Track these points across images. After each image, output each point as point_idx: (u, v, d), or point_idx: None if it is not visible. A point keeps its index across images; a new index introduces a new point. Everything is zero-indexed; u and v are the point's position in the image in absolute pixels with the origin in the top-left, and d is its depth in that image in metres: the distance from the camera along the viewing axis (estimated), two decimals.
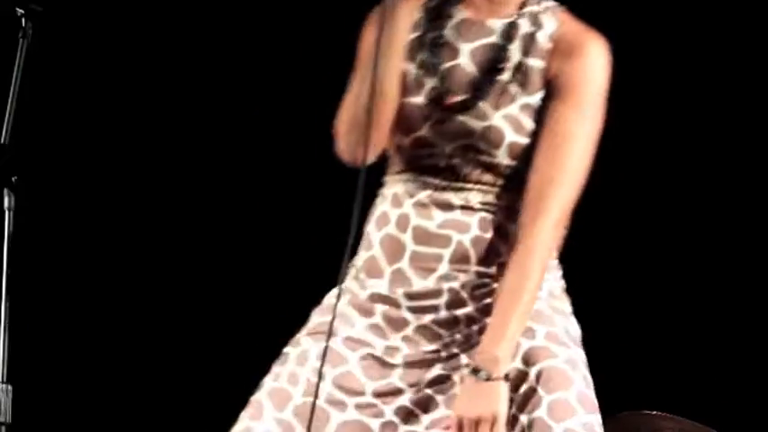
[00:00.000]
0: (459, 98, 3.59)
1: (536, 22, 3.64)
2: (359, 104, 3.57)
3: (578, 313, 4.43)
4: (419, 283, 3.61)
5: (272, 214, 6.97)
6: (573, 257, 4.53)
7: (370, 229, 3.67)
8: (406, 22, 3.59)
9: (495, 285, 3.56)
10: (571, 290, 4.18)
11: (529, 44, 3.60)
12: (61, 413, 6.23)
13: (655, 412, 5.71)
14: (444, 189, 3.60)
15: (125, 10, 6.90)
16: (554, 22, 3.63)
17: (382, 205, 3.66)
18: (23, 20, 3.95)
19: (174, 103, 7.09)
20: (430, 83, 3.60)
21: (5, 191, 3.79)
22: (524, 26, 3.63)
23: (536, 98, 3.58)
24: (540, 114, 3.56)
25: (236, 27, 7.27)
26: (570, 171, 3.60)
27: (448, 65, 3.61)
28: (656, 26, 7.40)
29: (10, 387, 3.69)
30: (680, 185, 7.39)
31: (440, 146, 3.59)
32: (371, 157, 3.60)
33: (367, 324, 3.68)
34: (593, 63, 3.63)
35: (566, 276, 4.18)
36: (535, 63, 3.58)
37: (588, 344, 4.62)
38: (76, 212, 6.17)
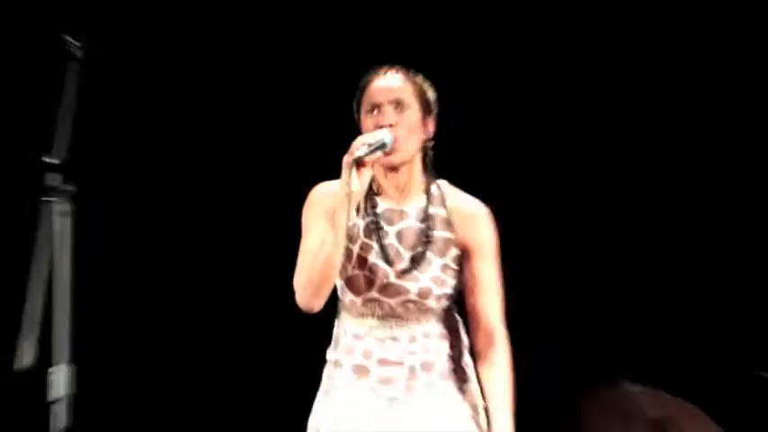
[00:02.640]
0: (396, 269, 4.27)
1: (438, 202, 4.32)
2: (313, 273, 4.11)
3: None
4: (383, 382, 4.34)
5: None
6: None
7: (339, 355, 4.37)
8: (346, 223, 4.11)
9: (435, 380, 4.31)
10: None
11: (437, 221, 4.29)
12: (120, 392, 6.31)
13: (630, 385, 5.91)
14: (392, 328, 4.30)
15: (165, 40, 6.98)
16: (447, 198, 4.34)
17: (344, 338, 4.38)
18: (71, 47, 4.11)
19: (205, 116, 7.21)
20: (372, 259, 4.25)
21: (59, 205, 3.96)
22: (431, 208, 4.31)
23: (449, 258, 4.30)
24: (461, 266, 4.35)
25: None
26: (500, 301, 4.41)
27: (383, 243, 4.28)
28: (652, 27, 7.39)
29: (74, 367, 3.89)
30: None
31: (385, 302, 4.27)
32: (320, 305, 4.18)
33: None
34: (489, 226, 4.38)
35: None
36: (443, 234, 4.27)
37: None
38: (129, 212, 6.37)
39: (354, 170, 4.00)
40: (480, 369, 4.34)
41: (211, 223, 7.25)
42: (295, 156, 7.14)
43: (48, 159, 4.00)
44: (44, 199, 3.99)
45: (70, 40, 4.15)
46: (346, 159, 4.00)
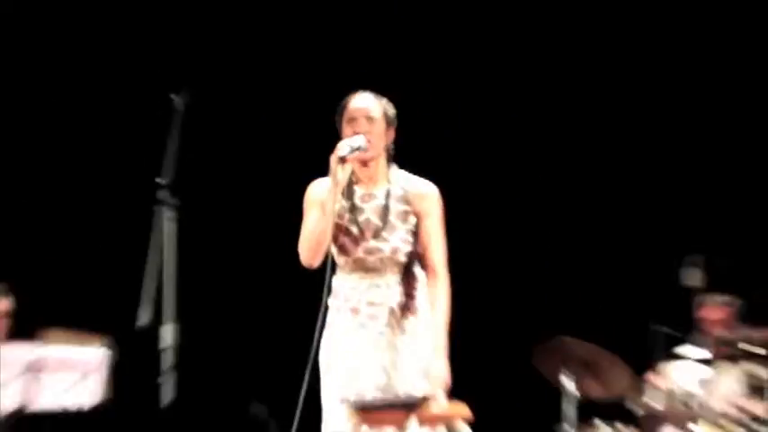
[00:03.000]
0: (373, 234, 4.55)
1: (397, 185, 4.61)
2: (311, 239, 4.47)
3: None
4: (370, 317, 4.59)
5: None
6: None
7: (339, 302, 4.62)
8: (335, 205, 4.47)
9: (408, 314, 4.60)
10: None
11: (399, 198, 4.60)
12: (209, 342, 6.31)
13: (568, 338, 5.98)
14: (374, 278, 4.60)
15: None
16: (404, 181, 4.64)
17: (343, 289, 4.62)
18: (175, 103, 4.46)
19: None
20: (354, 229, 4.56)
21: (169, 212, 4.31)
22: (393, 190, 4.61)
23: (409, 225, 4.58)
24: (417, 231, 4.59)
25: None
26: (443, 252, 4.64)
27: (360, 218, 4.58)
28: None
29: (176, 325, 4.23)
30: None
31: (367, 259, 4.57)
32: (318, 263, 4.48)
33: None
34: (437, 201, 4.65)
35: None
36: (403, 207, 4.59)
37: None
38: (213, 216, 6.47)
39: (339, 165, 4.41)
40: (429, 297, 4.62)
41: (256, 221, 7.41)
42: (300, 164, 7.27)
43: (160, 181, 4.30)
44: (157, 207, 4.29)
45: (175, 97, 4.46)
46: (333, 157, 4.40)
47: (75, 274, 6.92)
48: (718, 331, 6.34)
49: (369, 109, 4.56)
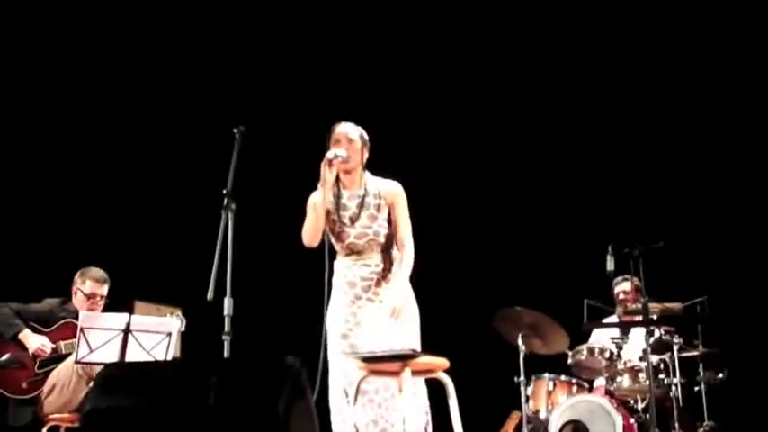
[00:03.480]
0: (358, 224, 4.61)
1: (372, 186, 4.69)
2: (309, 227, 4.61)
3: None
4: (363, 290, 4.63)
5: None
6: None
7: (339, 279, 4.69)
8: (326, 200, 4.61)
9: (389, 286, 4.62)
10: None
11: (375, 195, 4.67)
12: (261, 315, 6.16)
13: (519, 307, 6.02)
14: (364, 258, 4.65)
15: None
16: (374, 183, 4.73)
17: (340, 268, 4.69)
18: (237, 133, 4.43)
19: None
20: (345, 221, 4.64)
21: (230, 213, 4.26)
22: (370, 190, 4.69)
23: (384, 214, 4.63)
24: (390, 217, 4.65)
25: None
26: (409, 228, 4.68)
27: (348, 213, 4.65)
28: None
29: (232, 299, 4.18)
30: None
31: (357, 243, 4.63)
32: (316, 244, 4.62)
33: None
34: (402, 194, 4.72)
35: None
36: (378, 201, 4.68)
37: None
38: (260, 216, 6.19)
39: (327, 167, 4.56)
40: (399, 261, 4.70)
41: (292, 221, 7.17)
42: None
43: (224, 190, 4.26)
44: (223, 209, 4.24)
45: (235, 129, 4.43)
46: (324, 162, 4.57)
47: (161, 260, 6.93)
48: (626, 303, 6.41)
49: (348, 133, 4.72)
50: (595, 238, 6.04)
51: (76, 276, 5.64)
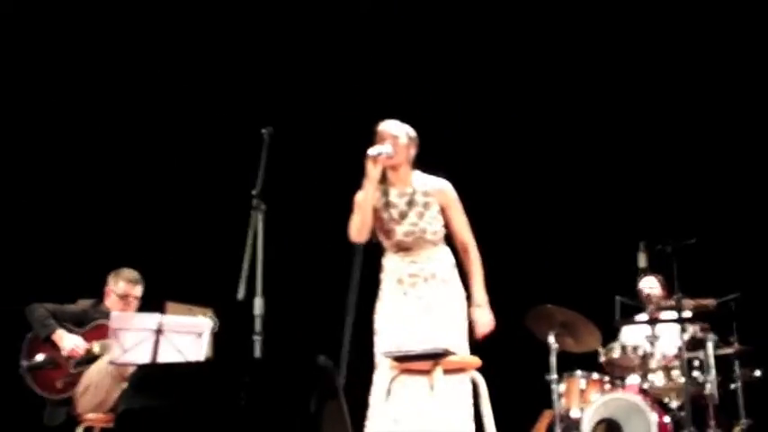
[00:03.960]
0: (406, 221, 4.59)
1: (420, 183, 4.66)
2: (356, 222, 4.58)
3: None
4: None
5: None
6: None
7: (388, 276, 4.68)
8: (375, 195, 4.61)
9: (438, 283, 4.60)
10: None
11: (423, 193, 4.64)
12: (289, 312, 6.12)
13: (551, 305, 6.00)
14: (412, 255, 4.63)
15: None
16: (423, 180, 4.70)
17: (388, 265, 4.68)
18: (264, 135, 4.46)
19: None
20: (394, 218, 4.62)
21: (260, 214, 4.25)
22: (418, 187, 4.65)
23: (432, 212, 4.60)
24: (440, 215, 4.63)
25: None
26: (468, 228, 4.70)
27: (396, 210, 4.63)
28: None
29: (263, 298, 4.16)
30: None
31: (405, 240, 4.61)
32: (363, 240, 4.61)
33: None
34: (453, 194, 4.70)
35: None
36: (426, 199, 4.65)
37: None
38: (290, 216, 6.07)
39: (372, 164, 4.54)
40: (465, 266, 4.72)
41: (321, 221, 7.05)
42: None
43: (254, 192, 4.25)
44: (252, 210, 4.23)
45: (264, 130, 4.45)
46: (368, 158, 4.55)
47: (192, 261, 6.94)
48: (656, 300, 6.38)
49: (392, 129, 4.68)
50: (626, 235, 5.99)
51: (110, 278, 5.64)
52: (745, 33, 7.00)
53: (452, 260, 4.72)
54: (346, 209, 7.10)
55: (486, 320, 4.60)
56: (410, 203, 4.65)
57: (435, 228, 4.66)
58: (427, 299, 4.59)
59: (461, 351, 4.51)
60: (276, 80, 7.37)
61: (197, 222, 7.15)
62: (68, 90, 7.15)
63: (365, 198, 4.57)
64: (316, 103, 7.45)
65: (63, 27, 7.05)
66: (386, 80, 7.44)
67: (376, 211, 4.66)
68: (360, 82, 7.45)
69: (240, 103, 7.22)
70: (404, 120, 4.84)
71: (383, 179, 4.67)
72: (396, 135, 4.67)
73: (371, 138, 4.71)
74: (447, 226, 4.70)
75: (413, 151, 4.72)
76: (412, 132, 4.74)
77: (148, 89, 7.29)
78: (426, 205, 4.66)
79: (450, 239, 4.73)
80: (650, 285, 6.50)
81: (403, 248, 4.66)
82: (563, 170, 7.58)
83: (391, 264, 4.68)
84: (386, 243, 4.69)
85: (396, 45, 7.40)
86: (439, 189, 4.71)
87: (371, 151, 4.54)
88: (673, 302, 5.82)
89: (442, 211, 4.69)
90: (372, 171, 4.54)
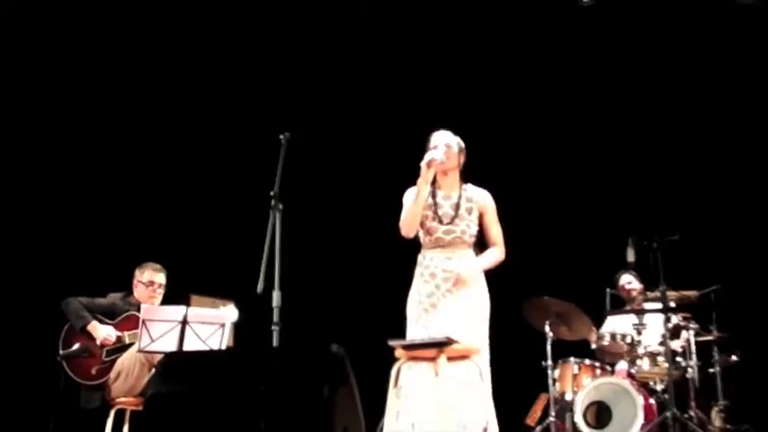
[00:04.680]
0: (448, 221, 4.64)
1: (466, 190, 4.75)
2: (408, 218, 4.62)
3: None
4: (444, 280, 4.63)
5: None
6: None
7: (422, 270, 4.70)
8: (425, 196, 4.66)
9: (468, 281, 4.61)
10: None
11: (468, 199, 4.72)
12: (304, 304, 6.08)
13: (546, 297, 6.02)
14: (447, 252, 4.66)
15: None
16: (470, 189, 4.79)
17: (424, 260, 4.70)
18: (282, 139, 4.49)
19: None
20: (437, 217, 4.66)
21: (278, 213, 4.30)
22: (463, 194, 4.73)
23: (473, 217, 4.68)
24: (480, 221, 4.71)
25: None
26: (500, 234, 4.75)
27: (440, 210, 4.68)
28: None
29: (281, 292, 4.22)
30: None
31: (444, 238, 4.65)
32: (413, 235, 4.65)
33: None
34: (492, 202, 4.77)
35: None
36: (469, 204, 4.74)
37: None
38: (306, 215, 6.10)
39: (426, 167, 4.60)
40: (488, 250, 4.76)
41: (335, 219, 7.39)
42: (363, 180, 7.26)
43: (272, 192, 4.31)
44: (271, 209, 4.28)
45: (281, 136, 4.48)
46: (423, 162, 4.61)
47: (214, 256, 6.95)
48: (636, 295, 6.38)
49: (445, 138, 4.77)
50: (616, 232, 5.98)
51: (136, 271, 5.73)
52: (723, 28, 6.96)
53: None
54: (358, 208, 7.16)
55: (463, 269, 4.64)
56: (454, 207, 4.75)
57: (472, 231, 4.77)
58: (457, 294, 4.63)
59: (484, 346, 4.58)
60: (294, 89, 7.38)
61: (220, 221, 7.17)
62: (104, 89, 7.11)
63: (417, 197, 4.66)
64: (329, 111, 7.46)
65: (99, 26, 7.00)
66: (390, 86, 7.45)
67: (422, 210, 4.75)
68: (372, 91, 7.45)
69: (260, 110, 7.23)
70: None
71: (433, 182, 4.77)
72: (448, 144, 4.78)
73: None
74: (482, 231, 4.78)
75: (462, 160, 4.84)
76: (461, 143, 4.87)
77: (178, 97, 7.28)
78: (469, 210, 4.77)
79: (482, 244, 4.82)
80: (628, 281, 6.54)
81: (440, 245, 4.72)
82: (558, 171, 7.57)
83: (427, 259, 4.75)
84: (425, 239, 4.77)
85: (398, 49, 7.38)
86: (481, 197, 4.83)
87: (428, 157, 4.63)
88: (656, 294, 5.83)
89: (481, 217, 4.80)
90: (426, 173, 4.63)
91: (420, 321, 4.63)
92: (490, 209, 4.81)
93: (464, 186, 4.83)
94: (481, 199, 4.82)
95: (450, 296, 4.63)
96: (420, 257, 4.78)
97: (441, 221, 4.70)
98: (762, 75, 7.02)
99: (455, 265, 4.64)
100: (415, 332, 4.61)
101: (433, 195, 4.77)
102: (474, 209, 4.77)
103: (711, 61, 7.12)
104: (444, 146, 4.74)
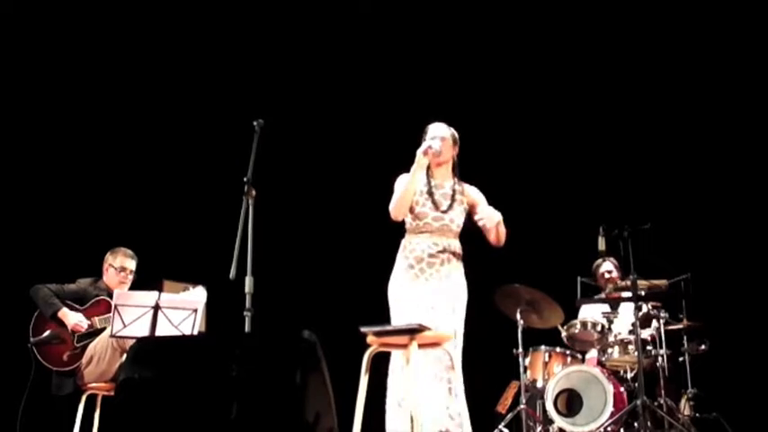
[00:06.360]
0: (440, 209, 4.70)
1: (457, 182, 4.83)
2: (400, 202, 4.66)
3: None
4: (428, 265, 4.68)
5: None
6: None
7: (407, 254, 4.71)
8: (419, 182, 4.73)
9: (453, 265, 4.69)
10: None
11: (460, 191, 4.80)
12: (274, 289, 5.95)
13: (518, 285, 6.01)
14: (434, 238, 4.71)
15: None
16: (458, 183, 4.85)
17: (410, 245, 4.73)
18: (255, 126, 4.47)
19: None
20: (429, 205, 4.71)
21: (250, 199, 4.28)
22: (456, 186, 4.81)
23: (462, 208, 4.75)
24: (474, 212, 4.75)
25: None
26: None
27: (431, 198, 4.75)
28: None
29: (253, 277, 4.19)
30: None
31: (433, 224, 4.71)
32: (401, 218, 4.71)
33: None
34: (479, 192, 4.84)
35: None
36: (461, 197, 4.82)
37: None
38: (280, 201, 5.80)
39: (423, 155, 4.67)
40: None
41: (307, 206, 7.39)
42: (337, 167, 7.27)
43: (245, 178, 4.27)
44: (243, 195, 4.25)
45: (255, 123, 4.46)
46: (419, 150, 4.67)
47: (187, 242, 6.94)
48: (615, 281, 6.40)
49: (441, 131, 4.88)
50: (587, 221, 6.01)
51: (108, 255, 5.71)
52: (705, 21, 7.02)
53: (461, 253, 4.85)
54: (330, 195, 7.16)
55: (493, 212, 4.73)
56: (445, 196, 4.82)
57: (459, 222, 4.82)
58: (439, 279, 4.68)
59: (460, 333, 4.60)
60: (268, 76, 7.37)
61: (193, 207, 7.15)
62: (70, 82, 7.10)
63: (410, 182, 4.71)
64: (303, 99, 7.43)
65: (63, 20, 6.99)
66: (365, 76, 7.42)
67: (413, 195, 4.80)
68: (343, 78, 7.45)
69: (234, 96, 7.22)
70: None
71: (426, 170, 4.82)
72: (444, 136, 4.86)
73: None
74: (477, 217, 4.78)
75: (456, 151, 4.93)
76: (456, 135, 4.94)
77: (150, 83, 7.26)
78: (459, 201, 4.84)
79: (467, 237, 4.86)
80: (608, 269, 6.58)
81: (428, 231, 4.75)
82: (532, 161, 7.59)
83: (413, 242, 4.77)
84: (413, 224, 4.80)
85: (370, 33, 7.38)
86: (471, 190, 4.92)
87: (424, 146, 4.69)
88: (628, 283, 5.85)
89: (471, 208, 4.86)
90: (422, 161, 4.70)
91: (401, 306, 4.64)
92: (480, 198, 4.90)
93: (455, 179, 4.91)
94: (472, 192, 4.91)
95: (433, 282, 4.66)
96: (405, 242, 4.80)
97: (437, 208, 4.77)
98: (731, 63, 7.04)
99: (488, 211, 4.71)
100: (397, 317, 4.62)
101: (428, 183, 4.83)
102: (464, 201, 4.86)
103: (678, 49, 7.14)
104: (440, 138, 4.82)
